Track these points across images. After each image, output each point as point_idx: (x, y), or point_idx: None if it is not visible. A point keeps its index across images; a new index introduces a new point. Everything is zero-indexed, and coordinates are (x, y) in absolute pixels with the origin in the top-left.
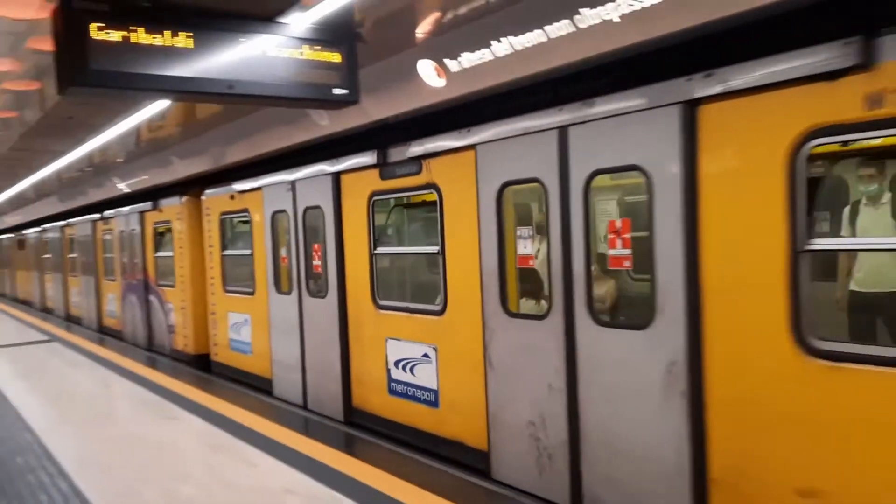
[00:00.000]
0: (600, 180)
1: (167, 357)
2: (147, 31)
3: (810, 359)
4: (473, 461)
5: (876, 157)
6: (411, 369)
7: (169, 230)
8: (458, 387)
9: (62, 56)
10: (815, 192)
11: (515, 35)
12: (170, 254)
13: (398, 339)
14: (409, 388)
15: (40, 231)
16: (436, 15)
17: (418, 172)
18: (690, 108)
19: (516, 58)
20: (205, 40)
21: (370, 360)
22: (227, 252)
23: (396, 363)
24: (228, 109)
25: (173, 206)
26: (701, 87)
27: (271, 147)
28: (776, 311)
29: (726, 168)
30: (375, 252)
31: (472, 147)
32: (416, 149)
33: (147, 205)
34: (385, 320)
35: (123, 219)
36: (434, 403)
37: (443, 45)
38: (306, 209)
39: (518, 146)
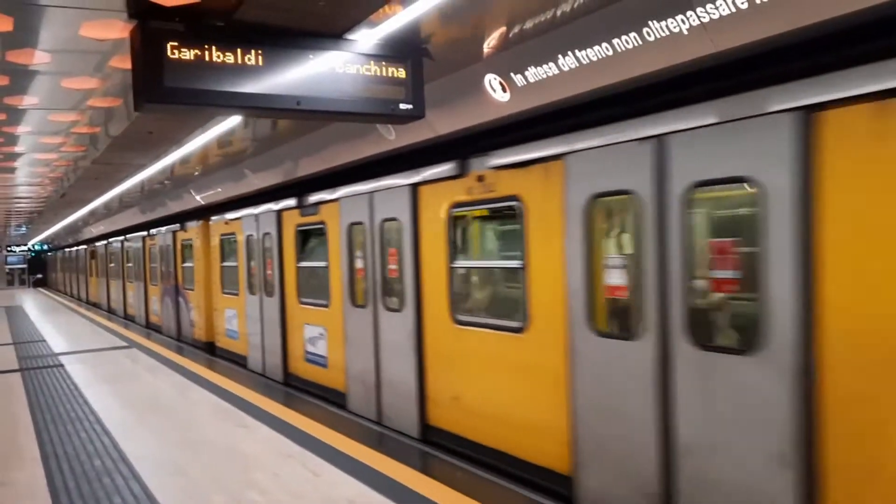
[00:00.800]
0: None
1: (190, 345)
2: (219, 50)
3: (455, 325)
4: (340, 400)
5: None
6: (315, 343)
7: (191, 246)
8: (335, 353)
9: (139, 74)
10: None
11: (581, 49)
12: (191, 264)
13: (309, 324)
14: (314, 356)
15: (106, 244)
16: (502, 29)
17: (317, 213)
18: (415, 188)
19: (582, 72)
20: (274, 58)
21: (296, 338)
22: (224, 263)
23: (308, 340)
24: (240, 152)
25: (193, 228)
26: (416, 177)
27: (261, 185)
28: (444, 300)
29: (427, 220)
30: (298, 265)
31: (337, 200)
32: (314, 197)
33: (177, 226)
34: (303, 311)
35: (162, 236)
36: (325, 366)
37: (509, 60)
38: (264, 234)
39: (355, 201)
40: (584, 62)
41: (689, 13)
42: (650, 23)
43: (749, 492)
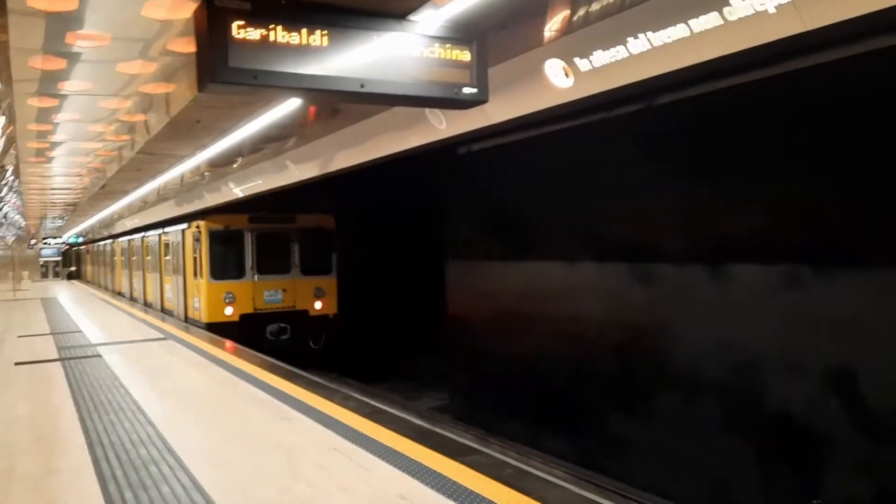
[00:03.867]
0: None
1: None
2: (284, 29)
3: (193, 279)
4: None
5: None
6: (154, 292)
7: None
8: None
9: (204, 54)
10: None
11: (655, 30)
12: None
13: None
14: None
15: (112, 241)
16: (568, 11)
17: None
18: (185, 231)
19: (654, 55)
20: (339, 38)
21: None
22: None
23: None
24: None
25: (149, 236)
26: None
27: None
28: (191, 270)
29: (186, 241)
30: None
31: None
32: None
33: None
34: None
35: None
36: (181, 304)
37: (574, 43)
38: (131, 245)
39: (173, 234)
40: (658, 44)
41: None
42: (732, 1)
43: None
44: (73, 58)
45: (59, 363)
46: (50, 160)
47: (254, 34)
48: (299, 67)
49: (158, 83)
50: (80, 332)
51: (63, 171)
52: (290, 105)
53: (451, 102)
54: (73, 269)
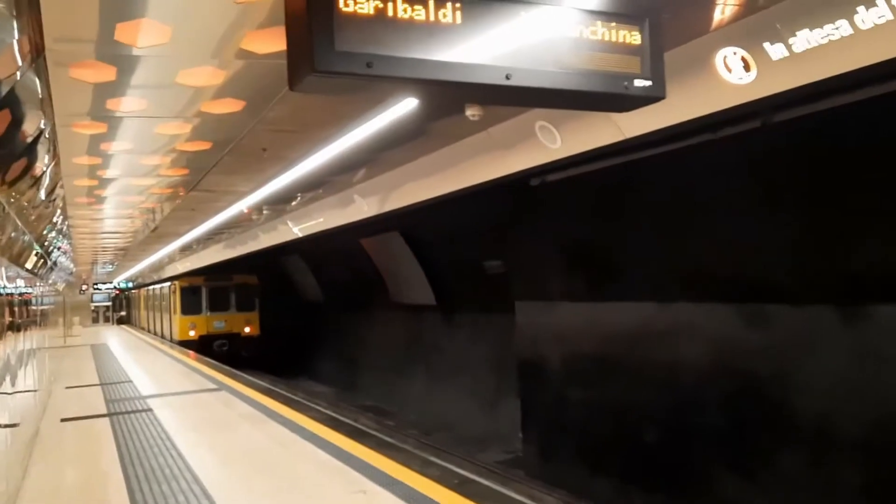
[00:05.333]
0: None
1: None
2: (406, 1)
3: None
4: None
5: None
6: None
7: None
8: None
9: (300, 35)
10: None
11: None
12: (156, 302)
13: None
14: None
15: (139, 290)
16: None
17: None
18: (169, 286)
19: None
20: (476, 13)
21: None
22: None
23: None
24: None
25: (156, 288)
26: (170, 283)
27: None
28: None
29: (173, 292)
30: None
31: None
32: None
33: (158, 285)
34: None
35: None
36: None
37: (763, 25)
38: (148, 293)
39: (166, 288)
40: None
41: None
42: None
43: None
44: (122, 62)
45: (107, 419)
46: (102, 200)
47: (366, 7)
48: (426, 52)
49: (225, 99)
50: (130, 381)
51: (114, 212)
52: (372, 126)
53: (619, 101)
54: (122, 313)
